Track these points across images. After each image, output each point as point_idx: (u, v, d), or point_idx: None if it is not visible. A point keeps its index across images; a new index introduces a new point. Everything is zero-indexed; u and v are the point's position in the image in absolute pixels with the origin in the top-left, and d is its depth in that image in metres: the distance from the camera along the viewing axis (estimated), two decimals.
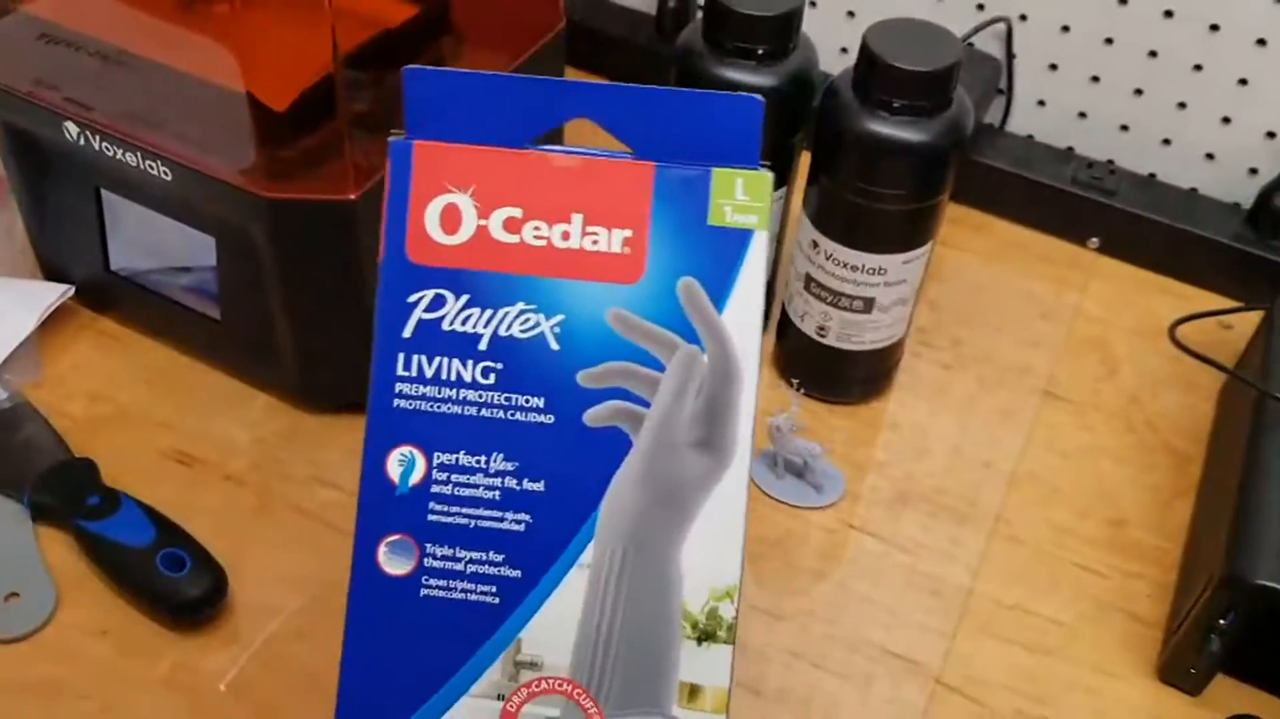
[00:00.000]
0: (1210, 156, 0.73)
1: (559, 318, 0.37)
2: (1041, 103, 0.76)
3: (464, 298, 0.37)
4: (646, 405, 0.37)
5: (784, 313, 0.62)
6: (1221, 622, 0.48)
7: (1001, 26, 0.73)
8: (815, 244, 0.57)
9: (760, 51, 0.54)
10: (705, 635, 0.37)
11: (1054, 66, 0.74)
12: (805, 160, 0.58)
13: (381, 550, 0.37)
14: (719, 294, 0.37)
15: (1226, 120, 0.71)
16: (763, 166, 0.37)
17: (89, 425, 0.58)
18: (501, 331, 0.37)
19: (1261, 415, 0.54)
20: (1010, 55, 0.74)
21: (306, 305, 0.55)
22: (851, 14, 0.77)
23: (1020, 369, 0.66)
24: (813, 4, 0.78)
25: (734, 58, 0.54)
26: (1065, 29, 0.72)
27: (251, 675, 0.49)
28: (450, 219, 0.37)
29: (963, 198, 0.75)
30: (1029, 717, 0.51)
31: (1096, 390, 0.65)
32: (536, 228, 0.37)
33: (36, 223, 0.63)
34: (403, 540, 0.37)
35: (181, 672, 0.49)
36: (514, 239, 0.37)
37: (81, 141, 0.55)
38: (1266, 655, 0.51)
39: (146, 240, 0.60)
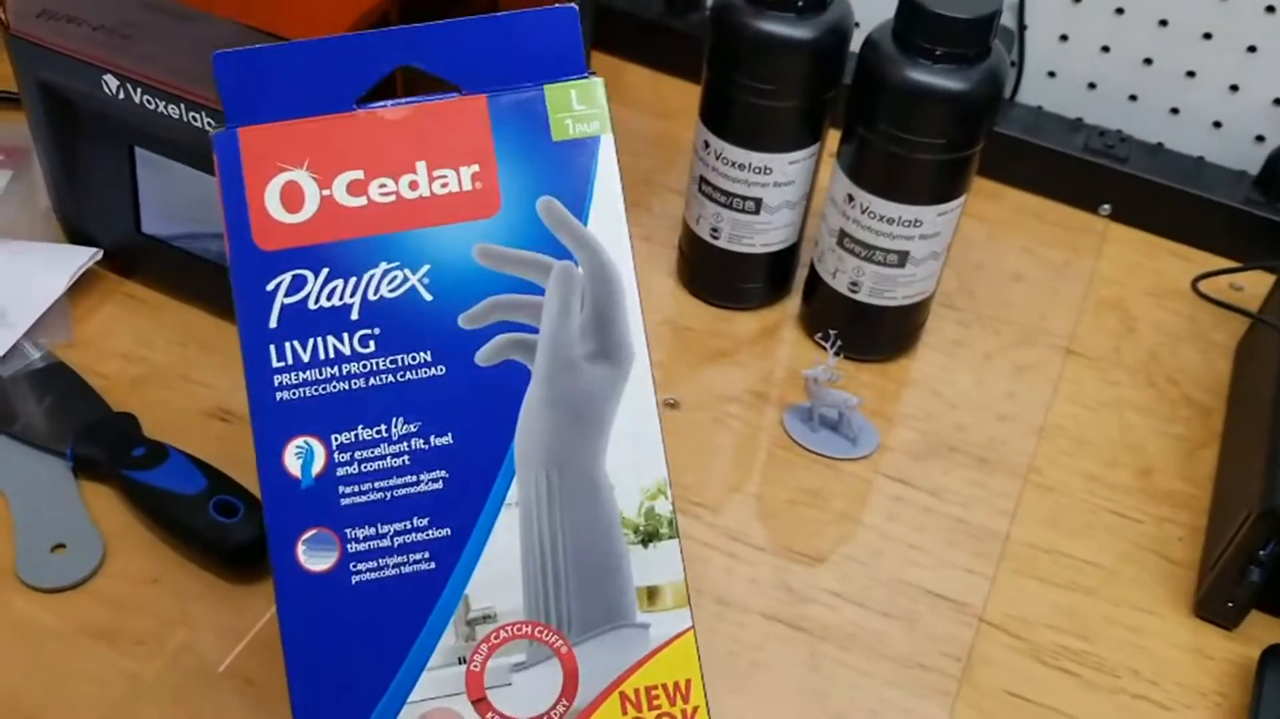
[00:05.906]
0: (1218, 125, 0.74)
1: (425, 268, 0.36)
2: (1052, 74, 0.77)
3: (324, 272, 0.36)
4: (535, 332, 0.36)
5: (812, 271, 0.63)
6: (1261, 553, 0.50)
7: None
8: (850, 198, 0.58)
9: (800, 3, 0.55)
10: (649, 536, 0.36)
11: (1064, 38, 0.76)
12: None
13: (300, 550, 0.35)
14: (579, 205, 0.37)
15: (1234, 88, 0.73)
16: (590, 74, 0.37)
17: (125, 384, 0.58)
18: (371, 296, 0.36)
19: None
20: (1022, 26, 0.76)
21: None
22: None
23: (1040, 328, 0.67)
24: None
25: (773, 9, 0.55)
26: (1077, 0, 0.74)
27: None
28: (291, 197, 0.36)
29: None
30: (1072, 651, 0.52)
31: (1117, 348, 0.66)
32: (382, 185, 0.36)
33: (64, 186, 0.62)
34: (319, 534, 0.35)
35: (237, 616, 0.49)
36: (361, 201, 0.36)
37: (120, 96, 0.55)
38: None
39: (178, 203, 0.60)
